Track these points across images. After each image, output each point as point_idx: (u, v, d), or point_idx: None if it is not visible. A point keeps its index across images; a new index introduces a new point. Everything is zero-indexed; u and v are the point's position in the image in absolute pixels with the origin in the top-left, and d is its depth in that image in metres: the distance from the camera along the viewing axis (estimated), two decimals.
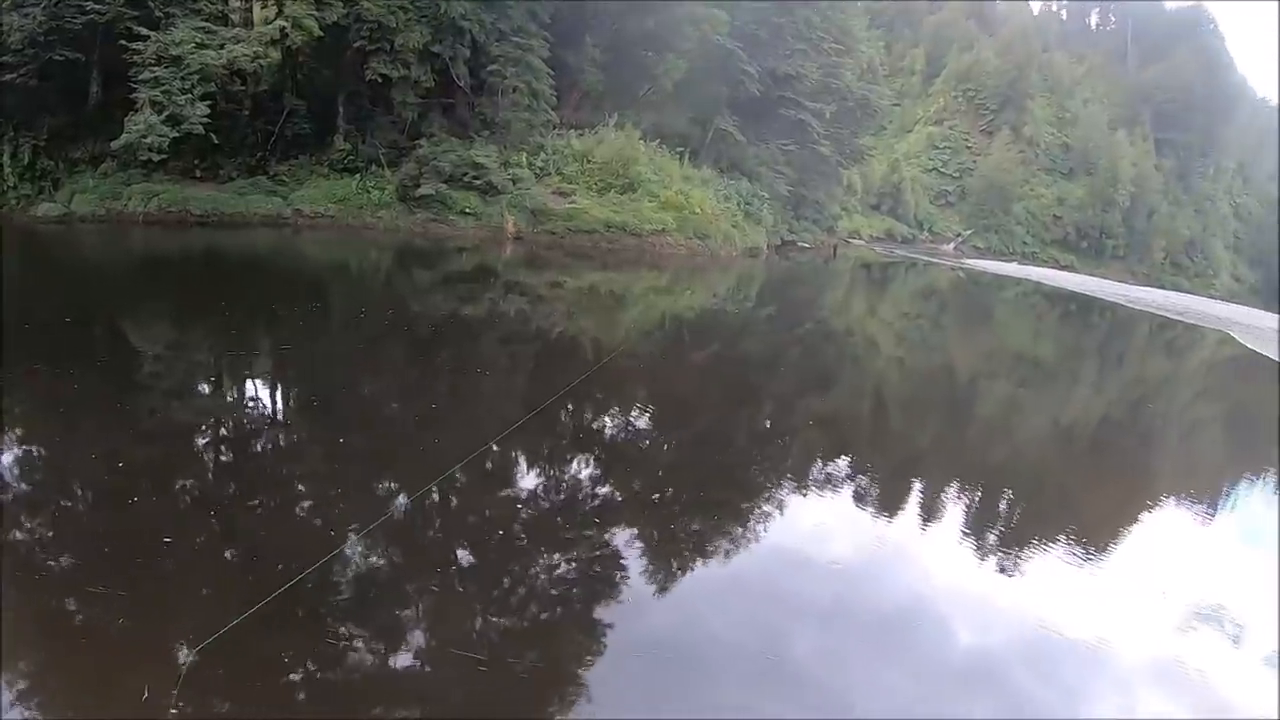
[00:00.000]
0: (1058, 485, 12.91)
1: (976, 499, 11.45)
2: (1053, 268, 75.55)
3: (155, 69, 28.06)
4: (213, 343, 14.55)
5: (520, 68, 34.09)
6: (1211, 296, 76.93)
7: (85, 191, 29.89)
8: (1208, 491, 13.74)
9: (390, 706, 5.48)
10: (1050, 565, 8.92)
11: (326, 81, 35.76)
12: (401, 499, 8.30)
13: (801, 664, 6.52)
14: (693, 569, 7.84)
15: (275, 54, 32.77)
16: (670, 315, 23.78)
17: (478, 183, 33.06)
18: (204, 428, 10.28)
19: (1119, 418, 19.43)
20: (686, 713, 5.67)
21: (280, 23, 31.40)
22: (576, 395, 12.93)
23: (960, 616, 7.63)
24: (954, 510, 10.79)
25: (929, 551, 9.26)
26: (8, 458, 8.43)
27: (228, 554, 7.07)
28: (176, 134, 28.04)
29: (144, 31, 28.44)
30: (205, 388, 12.58)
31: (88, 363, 12.20)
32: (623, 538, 8.25)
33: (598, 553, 7.93)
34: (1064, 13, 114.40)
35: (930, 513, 10.50)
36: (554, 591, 7.23)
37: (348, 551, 7.07)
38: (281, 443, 10.56)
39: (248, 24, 33.79)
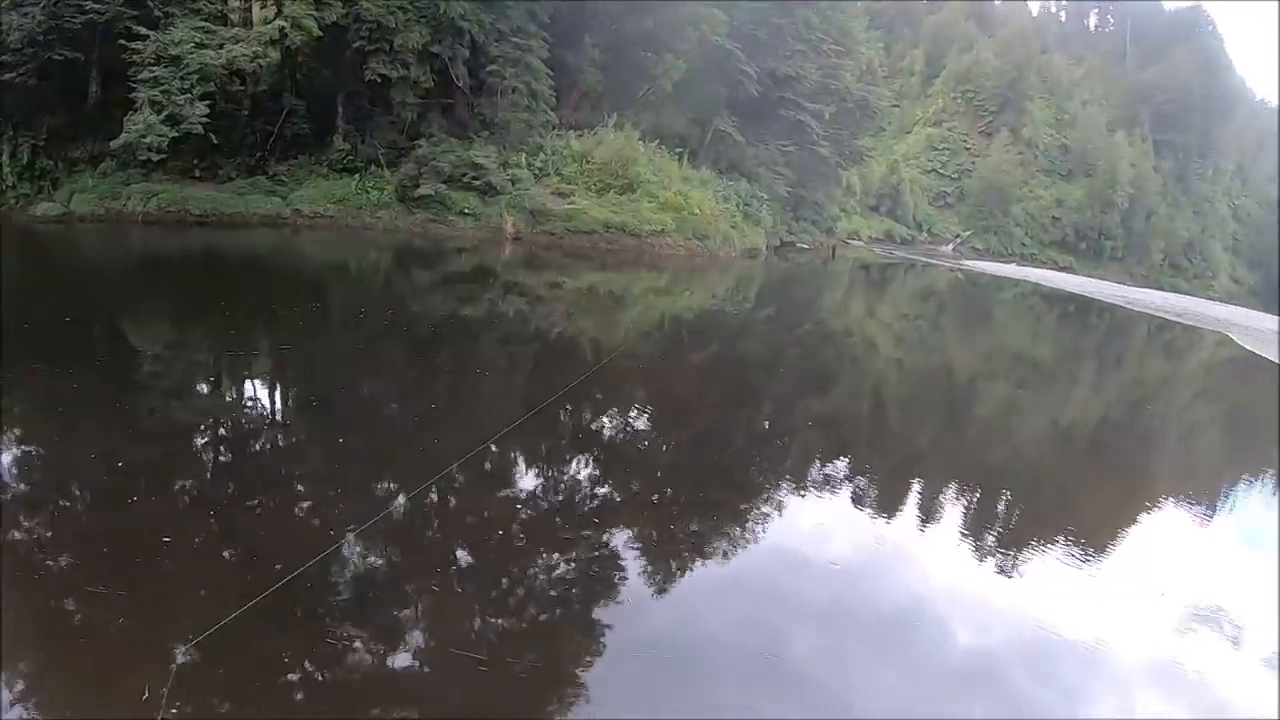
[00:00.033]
0: (1056, 486, 12.91)
1: (975, 500, 11.46)
2: (1051, 269, 75.61)
3: (154, 68, 28.07)
4: (212, 343, 14.55)
5: (519, 68, 34.10)
6: (1210, 298, 76.98)
7: (84, 191, 29.86)
8: (1206, 493, 13.76)
9: (390, 706, 5.48)
10: (1049, 566, 8.93)
11: (326, 81, 35.75)
12: (400, 499, 8.29)
13: (801, 664, 6.53)
14: (692, 569, 7.85)
15: (274, 54, 32.77)
16: (669, 316, 23.78)
17: (477, 183, 33.06)
18: (204, 428, 10.28)
19: (1118, 419, 19.44)
20: (686, 713, 5.67)
21: (279, 23, 31.39)
22: (576, 396, 12.93)
23: (959, 617, 7.64)
24: (953, 511, 10.79)
25: (928, 552, 9.26)
26: (8, 457, 8.43)
27: (228, 553, 7.07)
28: (176, 134, 28.03)
29: (143, 31, 28.45)
30: (205, 388, 12.58)
31: (87, 362, 12.20)
32: (622, 538, 8.26)
33: (597, 553, 7.94)
34: (1063, 14, 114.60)
35: (929, 513, 10.51)
36: (553, 592, 7.24)
37: (345, 551, 7.07)
38: (281, 443, 10.56)
39: (247, 24, 33.80)
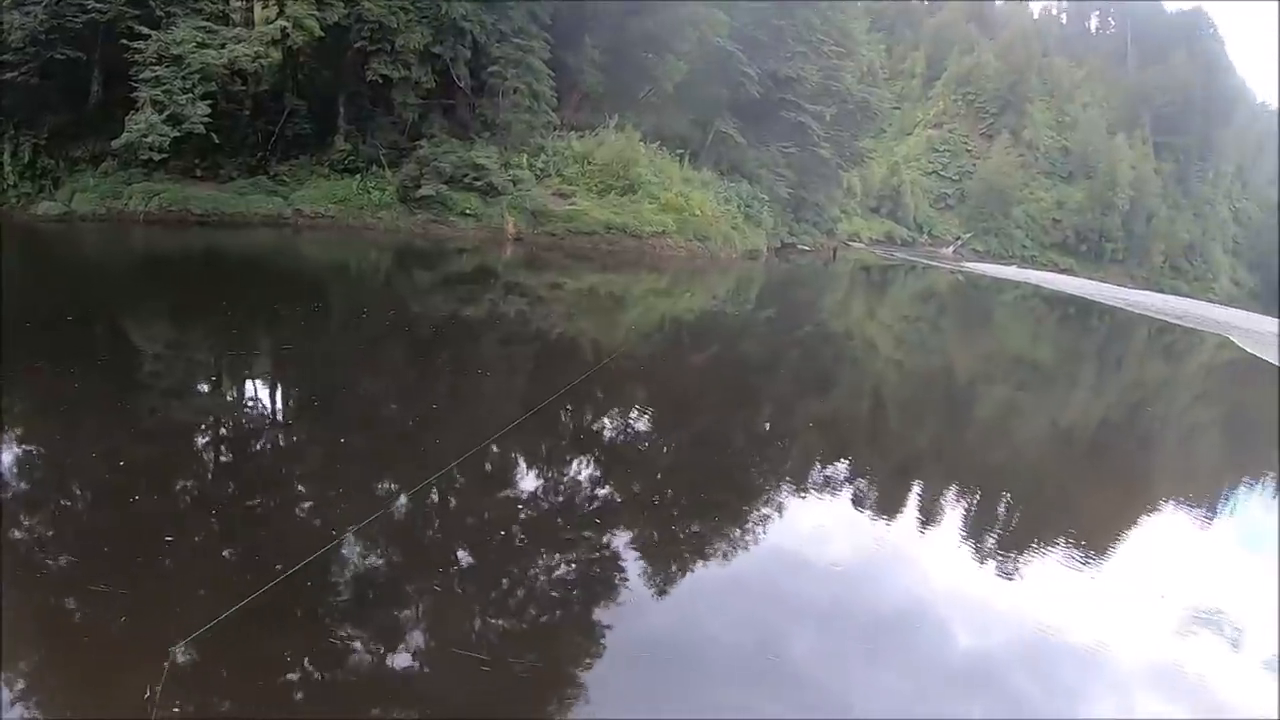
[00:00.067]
0: (1057, 488, 12.91)
1: (975, 502, 11.46)
2: (1052, 271, 75.64)
3: (156, 68, 28.08)
4: (214, 342, 14.56)
5: (521, 69, 34.12)
6: (1210, 300, 76.97)
7: (86, 190, 29.90)
8: (1207, 495, 13.76)
9: (391, 706, 5.49)
10: (1049, 568, 8.93)
11: (327, 82, 35.76)
12: (401, 498, 8.31)
13: (801, 665, 6.54)
14: (692, 570, 7.85)
15: (276, 54, 32.76)
16: (670, 317, 23.80)
17: (478, 184, 33.07)
18: (206, 427, 10.29)
19: (1118, 421, 19.45)
20: (687, 713, 5.68)
21: (281, 23, 31.40)
22: (577, 396, 12.95)
23: (959, 619, 7.64)
24: (953, 513, 10.80)
25: (928, 554, 9.27)
26: (9, 455, 8.44)
27: (231, 552, 7.07)
28: (177, 133, 28.04)
29: (145, 31, 28.45)
30: (207, 387, 12.59)
31: (89, 361, 12.21)
32: (623, 538, 8.27)
33: (598, 553, 7.94)
34: (1064, 16, 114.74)
35: (929, 515, 10.51)
36: (555, 592, 7.24)
37: (345, 550, 7.08)
38: (283, 442, 10.56)
39: (249, 24, 33.73)
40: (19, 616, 5.62)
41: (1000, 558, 9.22)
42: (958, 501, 11.32)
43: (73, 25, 29.06)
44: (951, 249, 75.55)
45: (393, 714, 5.49)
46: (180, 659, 5.27)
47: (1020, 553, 9.41)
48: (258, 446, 10.20)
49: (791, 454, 12.84)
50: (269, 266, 25.37)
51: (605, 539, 8.25)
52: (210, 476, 8.85)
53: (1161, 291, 74.36)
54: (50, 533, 7.08)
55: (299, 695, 5.50)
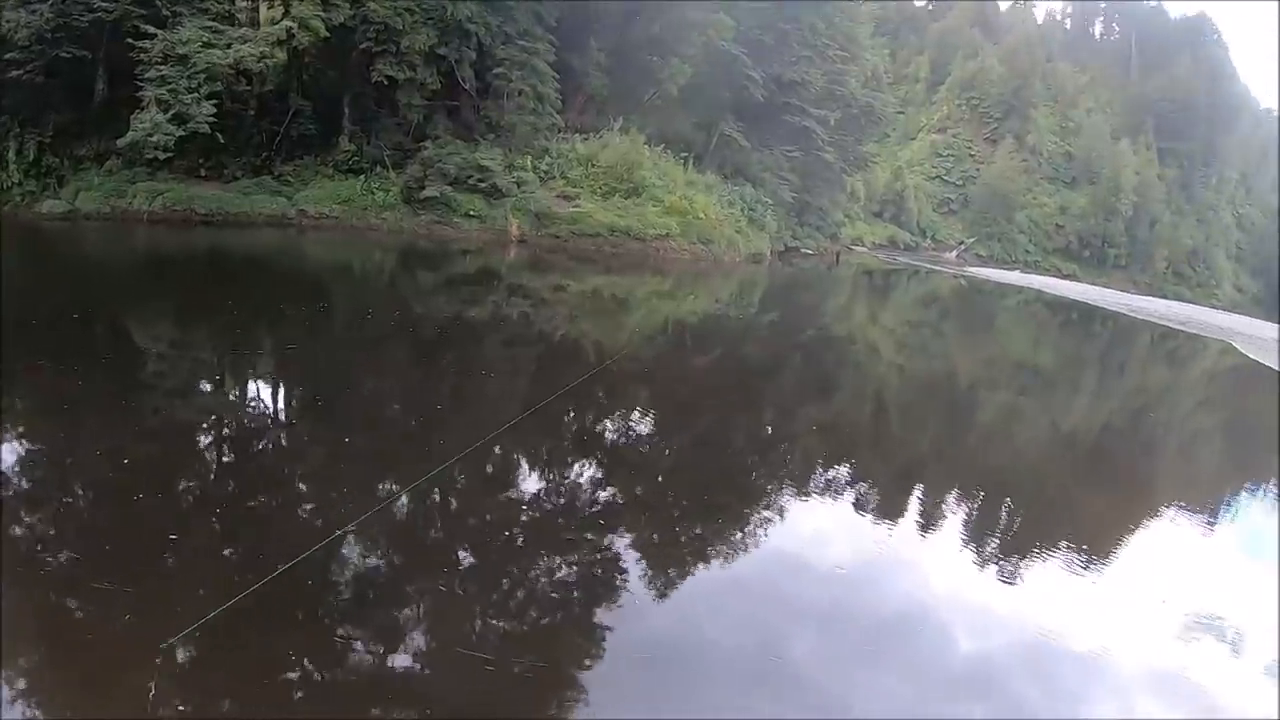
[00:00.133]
0: (1058, 493, 12.91)
1: (977, 506, 11.47)
2: (1055, 276, 75.67)
3: (162, 68, 28.11)
4: (218, 342, 14.60)
5: (525, 71, 34.17)
6: (1214, 306, 76.96)
7: (90, 189, 29.93)
8: (1208, 501, 13.75)
9: (393, 706, 5.49)
10: (1051, 572, 8.94)
11: (332, 82, 35.80)
12: (403, 498, 8.32)
13: (802, 667, 6.55)
14: (695, 572, 7.86)
15: (281, 54, 32.86)
16: (673, 320, 23.80)
17: (482, 185, 33.09)
18: (210, 426, 10.32)
19: (1120, 426, 19.45)
20: (689, 714, 5.69)
21: (287, 23, 31.49)
22: (579, 397, 12.97)
23: (961, 622, 7.65)
24: (955, 517, 10.81)
25: (930, 557, 9.27)
26: (13, 453, 8.46)
27: (234, 551, 7.08)
28: (182, 133, 28.07)
29: (151, 30, 28.47)
30: (212, 386, 12.62)
31: (93, 360, 12.25)
32: (625, 539, 8.28)
33: (600, 554, 7.95)
34: (1068, 21, 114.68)
35: (931, 519, 10.52)
36: (557, 593, 7.25)
37: (345, 548, 7.09)
38: (286, 442, 10.58)
39: (254, 24, 33.88)
40: (22, 614, 5.63)
41: (1002, 562, 9.23)
42: (959, 505, 11.33)
43: (78, 24, 29.09)
44: (954, 254, 75.53)
45: (395, 713, 5.49)
46: (179, 656, 5.29)
47: (1022, 557, 9.42)
48: (262, 445, 10.23)
49: (794, 457, 12.86)
50: (273, 266, 25.41)
51: (608, 540, 8.26)
52: (214, 475, 8.87)
53: (1164, 297, 74.40)
54: (53, 530, 7.09)
55: (299, 694, 5.51)
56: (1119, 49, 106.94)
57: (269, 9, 34.46)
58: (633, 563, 7.77)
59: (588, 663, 6.22)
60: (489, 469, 9.83)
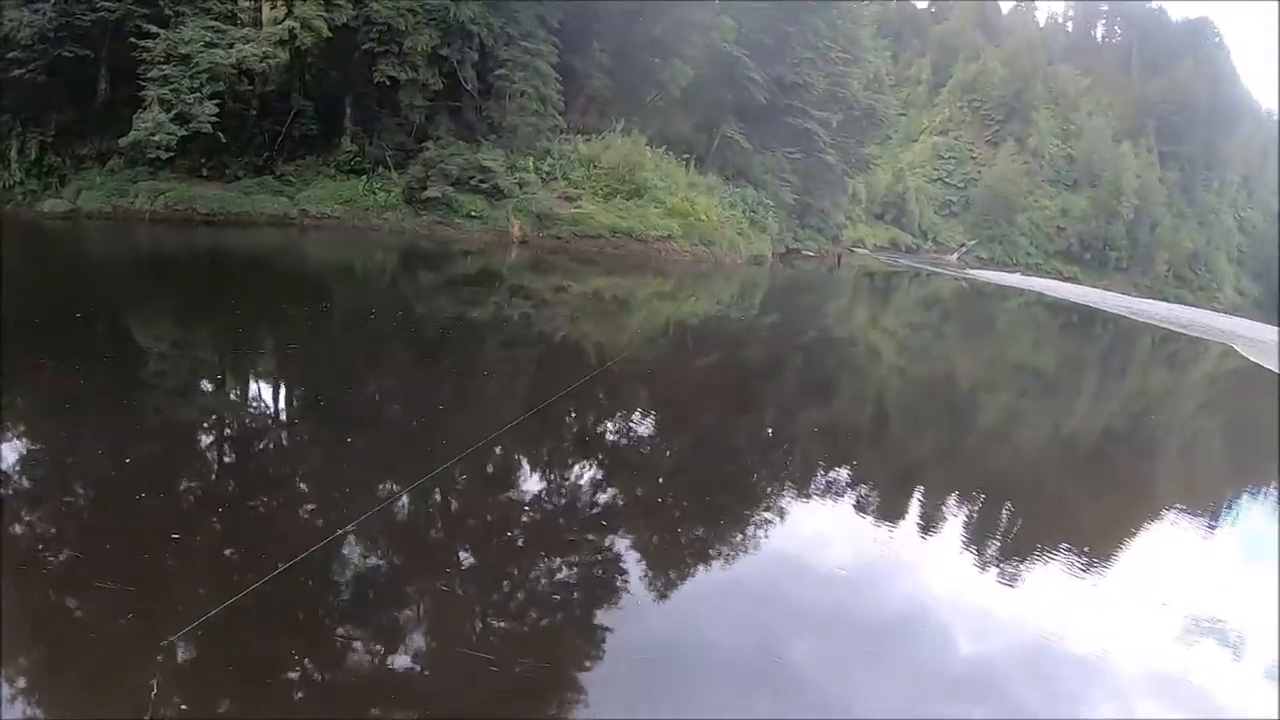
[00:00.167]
0: (1059, 495, 12.91)
1: (978, 508, 11.47)
2: (1056, 279, 75.69)
3: (164, 67, 28.14)
4: (220, 341, 14.62)
5: (528, 72, 34.19)
6: (1215, 309, 76.96)
7: (92, 188, 29.94)
8: (1209, 503, 13.76)
9: (395, 705, 5.50)
10: (1051, 575, 8.94)
11: (334, 83, 35.84)
12: (404, 498, 8.33)
13: (803, 669, 6.56)
14: (696, 573, 7.87)
15: (284, 54, 32.85)
16: (674, 321, 23.81)
17: (484, 186, 33.11)
18: (212, 425, 10.33)
19: (1121, 429, 19.45)
20: (690, 714, 5.70)
21: (289, 23, 31.50)
22: (581, 398, 12.98)
23: (961, 625, 7.65)
24: (955, 519, 10.81)
25: (930, 559, 9.28)
26: (15, 452, 8.47)
27: (236, 551, 7.09)
28: (185, 132, 28.10)
29: (153, 29, 28.51)
30: (213, 386, 12.63)
31: (95, 358, 12.25)
32: (627, 541, 8.29)
33: (602, 556, 7.96)
34: (1069, 24, 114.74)
35: (931, 521, 10.52)
36: (558, 594, 7.25)
37: (346, 548, 7.10)
38: (288, 441, 10.59)
39: (257, 24, 33.92)
40: (23, 613, 5.64)
41: (1002, 564, 9.23)
42: (960, 507, 11.33)
43: (81, 23, 29.14)
44: (956, 256, 75.53)
45: (397, 713, 5.49)
46: (182, 655, 5.30)
47: (1022, 559, 9.42)
48: (263, 445, 10.24)
49: (794, 459, 12.87)
50: (274, 266, 25.43)
51: (609, 541, 8.27)
52: (215, 475, 8.88)
53: (1165, 300, 74.41)
54: (54, 529, 7.10)
55: (301, 693, 5.52)
56: (1120, 52, 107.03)
57: (271, 9, 34.47)
58: (634, 564, 7.78)
59: (590, 663, 6.23)
60: (491, 470, 9.84)
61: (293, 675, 5.66)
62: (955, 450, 14.87)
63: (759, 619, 7.24)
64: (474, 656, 5.95)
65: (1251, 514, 13.69)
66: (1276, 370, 30.71)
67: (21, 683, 5.11)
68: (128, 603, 5.85)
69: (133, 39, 28.48)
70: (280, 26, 31.74)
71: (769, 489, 11.01)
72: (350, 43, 33.29)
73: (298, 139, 34.47)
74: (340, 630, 6.11)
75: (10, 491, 7.52)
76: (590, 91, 40.21)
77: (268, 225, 30.77)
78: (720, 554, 8.47)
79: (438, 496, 8.60)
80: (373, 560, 7.23)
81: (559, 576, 7.55)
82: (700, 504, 9.89)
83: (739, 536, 8.94)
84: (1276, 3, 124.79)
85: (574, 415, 12.69)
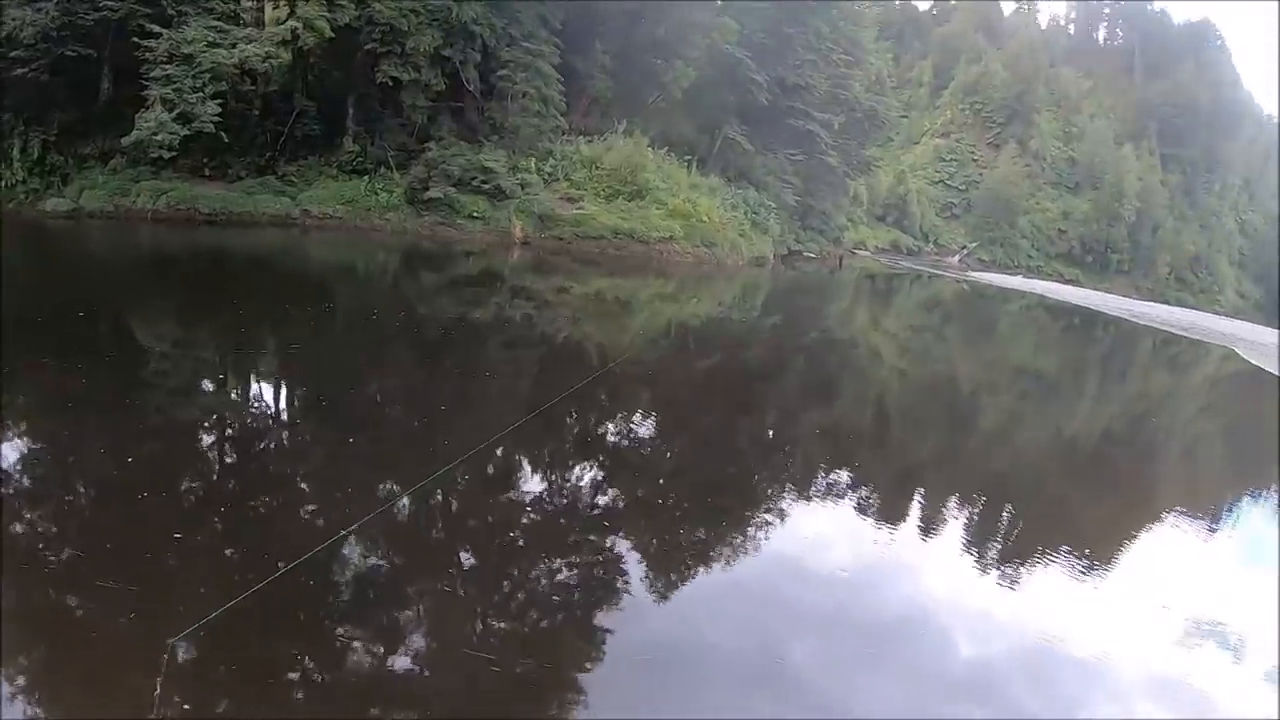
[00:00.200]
0: (1060, 498, 12.91)
1: (978, 511, 11.48)
2: (1057, 281, 75.63)
3: (167, 67, 28.18)
4: (222, 341, 14.63)
5: (530, 73, 34.19)
6: (1216, 312, 76.91)
7: (94, 187, 29.99)
8: (1210, 506, 13.76)
9: (398, 705, 5.51)
10: (1052, 577, 8.95)
11: (337, 83, 35.85)
12: (406, 498, 8.34)
13: (803, 670, 6.57)
14: (698, 574, 7.88)
15: (286, 54, 32.83)
16: (676, 322, 23.81)
17: (486, 187, 33.12)
18: (214, 425, 10.34)
19: (1122, 432, 19.45)
20: (691, 714, 5.71)
21: (292, 23, 31.49)
22: (583, 400, 12.99)
23: (962, 627, 7.66)
24: (956, 521, 10.82)
25: (931, 562, 9.28)
26: (17, 451, 8.48)
27: (239, 551, 7.10)
28: (187, 132, 28.13)
29: (156, 29, 28.56)
30: (215, 385, 12.64)
31: (98, 358, 12.27)
32: (629, 542, 8.30)
33: (604, 557, 7.97)
34: (1071, 27, 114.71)
35: (932, 523, 10.53)
36: (561, 595, 7.26)
37: (349, 548, 7.11)
38: (291, 442, 10.61)
39: (259, 24, 33.89)
40: (25, 612, 5.65)
41: (1003, 566, 9.24)
42: (961, 510, 11.34)
43: (84, 22, 29.18)
44: (957, 258, 75.56)
45: (400, 714, 5.51)
46: (185, 655, 5.30)
47: (1023, 562, 9.43)
48: (266, 445, 10.25)
49: (796, 460, 12.88)
50: (276, 266, 25.45)
51: (611, 542, 8.28)
52: (218, 474, 8.89)
53: (1167, 303, 74.33)
54: (56, 528, 7.11)
55: (303, 693, 5.53)
56: (1122, 55, 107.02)
57: (274, 9, 34.46)
58: (636, 565, 7.80)
59: (592, 664, 6.24)
60: (494, 471, 9.85)
61: (296, 676, 5.67)
62: (956, 452, 14.88)
63: (760, 620, 7.25)
64: (477, 657, 5.96)
65: (1252, 517, 13.69)
66: (1277, 373, 30.68)
67: (23, 682, 5.12)
68: (129, 602, 5.85)
69: (135, 38, 28.52)
70: (283, 27, 31.74)
71: (770, 490, 11.02)
72: (353, 43, 33.29)
73: (300, 139, 34.48)
74: (344, 631, 6.11)
75: (12, 490, 7.53)
76: (592, 92, 40.22)
77: (270, 225, 30.80)
78: (721, 555, 8.48)
79: (441, 498, 8.61)
80: (376, 561, 7.24)
81: (561, 577, 7.56)
82: (702, 505, 9.90)
83: (740, 538, 8.95)
84: (1278, 5, 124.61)
85: (576, 417, 12.71)
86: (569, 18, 36.28)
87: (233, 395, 12.02)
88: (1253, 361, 34.37)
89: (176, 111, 27.87)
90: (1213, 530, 12.30)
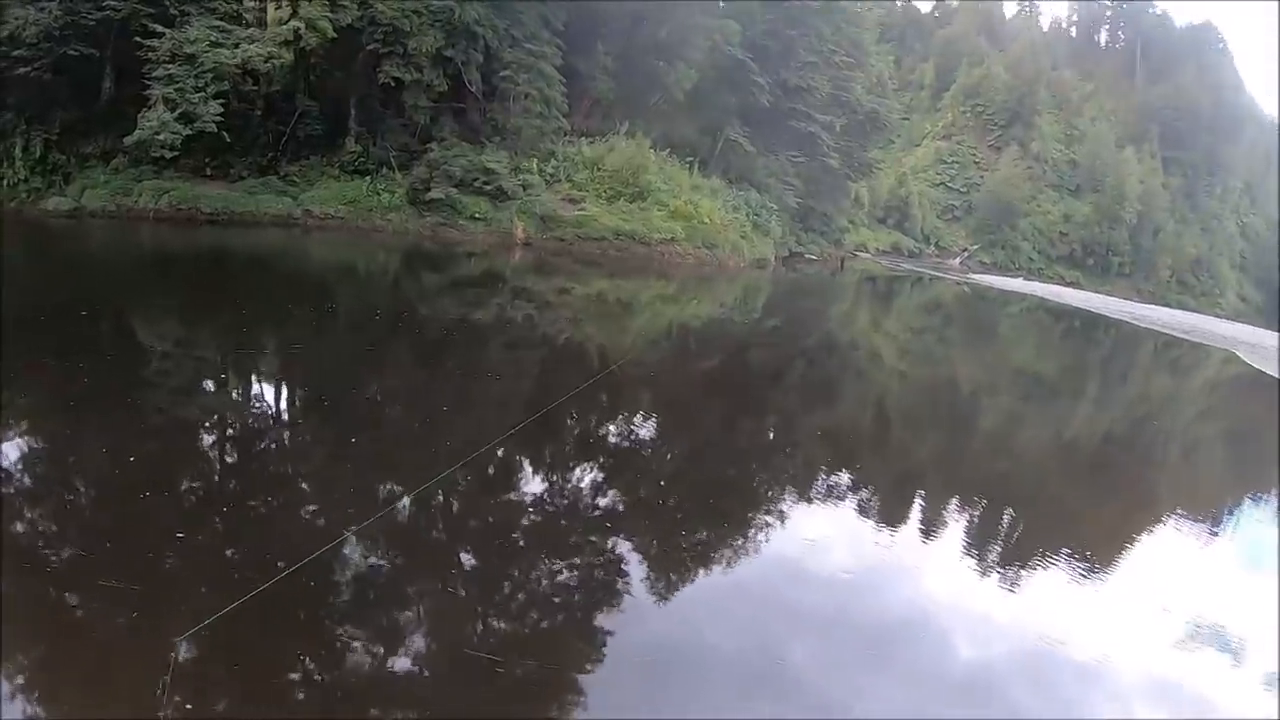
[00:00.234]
0: (1060, 501, 12.92)
1: (979, 513, 11.48)
2: (1058, 284, 75.68)
3: (169, 66, 28.24)
4: (225, 341, 14.64)
5: (532, 74, 34.23)
6: (1217, 315, 76.97)
7: (96, 186, 30.03)
8: (1210, 509, 13.76)
9: (400, 706, 5.52)
10: (1052, 580, 8.95)
11: (339, 83, 35.88)
12: (409, 500, 8.34)
13: (804, 672, 6.58)
14: (700, 576, 7.89)
15: (288, 55, 32.86)
16: (677, 324, 23.82)
17: (488, 188, 33.15)
18: (216, 425, 10.35)
19: (1123, 435, 19.44)
20: (693, 714, 5.72)
21: (294, 24, 31.54)
22: (584, 401, 13.00)
23: (962, 629, 7.67)
24: (956, 524, 10.82)
25: (932, 564, 9.29)
26: (19, 450, 8.49)
27: (242, 551, 7.10)
28: (189, 132, 28.17)
29: (159, 29, 28.64)
30: (218, 385, 12.63)
31: (100, 357, 12.28)
32: (632, 544, 8.30)
33: (606, 559, 7.98)
34: (1073, 30, 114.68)
35: (933, 526, 10.53)
36: (564, 596, 7.27)
37: (352, 550, 7.12)
38: (293, 443, 10.61)
39: (262, 24, 33.87)
40: (27, 612, 5.66)
41: (1004, 569, 9.25)
42: (961, 513, 11.34)
43: (87, 22, 29.22)
44: (958, 261, 75.63)
45: (403, 714, 5.52)
46: (190, 655, 5.31)
47: (1024, 564, 9.43)
48: (268, 445, 10.25)
49: (797, 462, 12.87)
50: (278, 266, 25.46)
51: (614, 544, 8.29)
52: (220, 474, 8.90)
53: (1168, 306, 74.37)
54: (58, 528, 7.12)
55: (306, 693, 5.54)
56: (1124, 57, 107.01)
57: (276, 9, 34.45)
58: (639, 567, 7.80)
59: (595, 665, 6.25)
60: (497, 472, 9.86)
61: (300, 676, 5.68)
62: (957, 455, 14.88)
63: (761, 622, 7.26)
64: (480, 658, 5.97)
65: (1253, 520, 13.70)
66: (1278, 376, 30.69)
67: (25, 682, 5.12)
68: (131, 601, 5.86)
69: (138, 38, 28.58)
70: (285, 27, 31.77)
71: (771, 492, 11.02)
72: (355, 43, 33.34)
73: (302, 139, 34.51)
74: (348, 632, 6.12)
75: (13, 489, 7.54)
76: (594, 94, 40.27)
77: (271, 225, 30.83)
78: (723, 557, 8.49)
79: (444, 499, 8.62)
80: (380, 562, 7.24)
81: (564, 579, 7.56)
82: (703, 507, 9.90)
83: (742, 539, 8.95)
84: (1279, 8, 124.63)
85: (578, 418, 12.71)
86: (571, 19, 36.32)
87: (234, 395, 12.02)
88: (1254, 365, 34.40)
89: (179, 111, 27.92)
90: (1213, 533, 12.30)
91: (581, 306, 24.01)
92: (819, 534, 9.44)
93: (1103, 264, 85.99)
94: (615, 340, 19.62)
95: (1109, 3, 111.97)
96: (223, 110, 29.08)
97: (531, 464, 10.50)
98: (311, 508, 8.36)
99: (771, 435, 14.59)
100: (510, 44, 34.13)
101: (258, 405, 11.72)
